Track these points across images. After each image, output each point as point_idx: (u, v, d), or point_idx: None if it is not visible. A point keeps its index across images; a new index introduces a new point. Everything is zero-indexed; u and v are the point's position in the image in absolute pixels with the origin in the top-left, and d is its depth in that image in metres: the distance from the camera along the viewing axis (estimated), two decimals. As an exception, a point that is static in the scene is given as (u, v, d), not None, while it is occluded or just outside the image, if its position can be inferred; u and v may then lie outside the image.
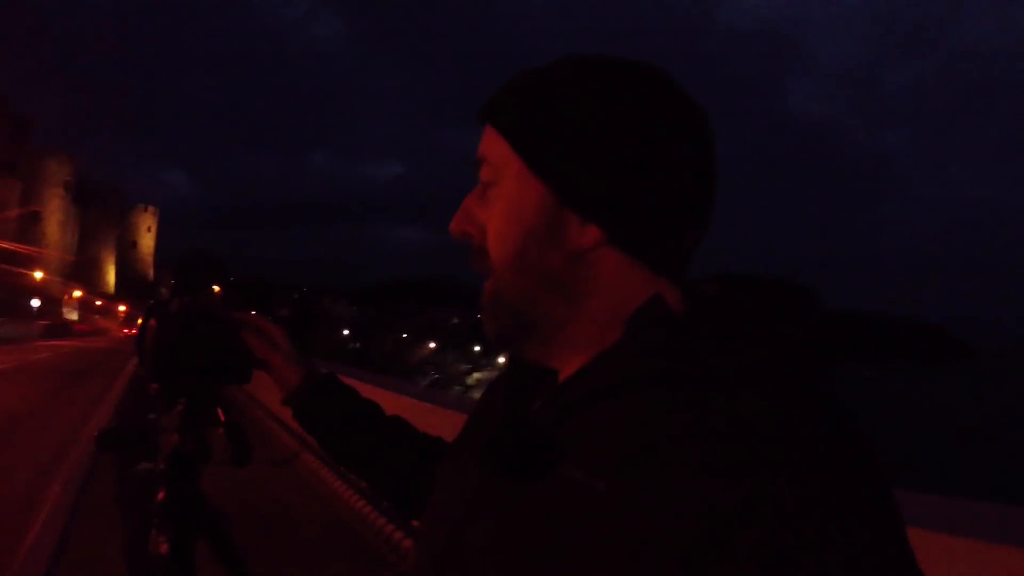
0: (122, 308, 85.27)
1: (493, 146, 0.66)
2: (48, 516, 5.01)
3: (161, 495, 1.29)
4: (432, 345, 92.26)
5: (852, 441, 0.51)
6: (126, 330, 72.97)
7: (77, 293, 75.38)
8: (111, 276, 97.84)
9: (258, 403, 10.96)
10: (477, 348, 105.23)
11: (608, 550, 0.51)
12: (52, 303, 69.78)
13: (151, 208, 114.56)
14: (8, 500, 5.68)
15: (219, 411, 1.29)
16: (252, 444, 1.28)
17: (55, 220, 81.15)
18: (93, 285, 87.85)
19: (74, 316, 71.68)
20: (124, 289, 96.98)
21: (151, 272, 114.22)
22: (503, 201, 0.65)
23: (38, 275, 67.03)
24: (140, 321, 1.28)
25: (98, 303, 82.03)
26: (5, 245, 58.39)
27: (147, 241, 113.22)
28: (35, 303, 66.01)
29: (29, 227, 75.44)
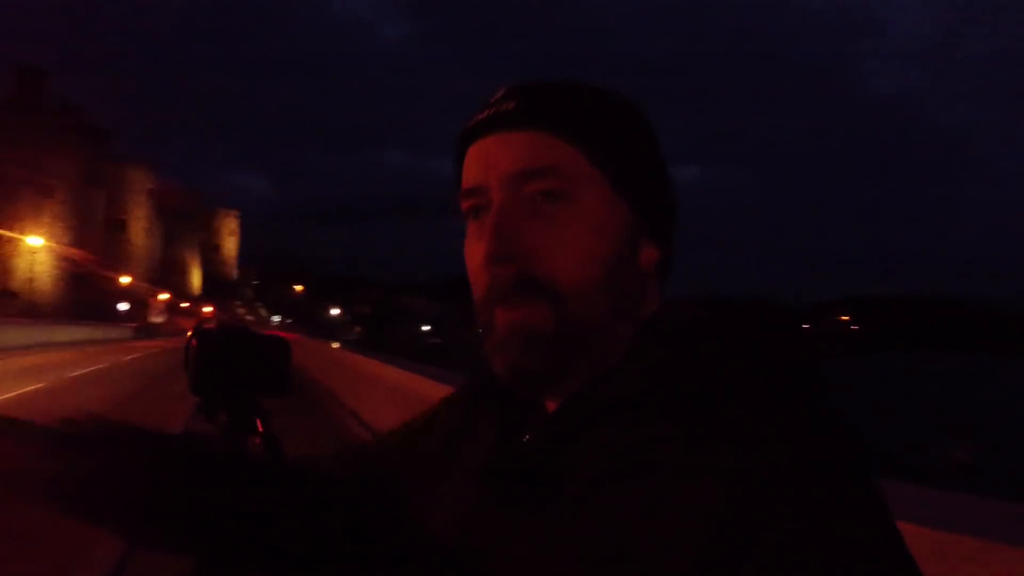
0: (207, 309, 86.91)
1: (559, 156, 0.62)
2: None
3: None
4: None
5: (844, 445, 0.52)
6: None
7: (163, 296, 76.91)
8: (196, 279, 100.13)
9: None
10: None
11: (619, 565, 0.51)
12: (139, 306, 71.31)
13: (233, 212, 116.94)
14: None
15: (258, 421, 1.44)
16: (285, 452, 1.38)
17: (140, 227, 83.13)
18: (179, 288, 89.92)
19: (160, 318, 73.02)
20: (209, 291, 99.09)
21: (235, 273, 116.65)
22: (586, 218, 0.62)
23: (125, 280, 68.49)
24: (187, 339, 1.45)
25: (183, 305, 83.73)
26: (89, 258, 59.64)
27: (230, 244, 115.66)
28: (123, 307, 67.62)
29: (115, 235, 77.41)
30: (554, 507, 0.56)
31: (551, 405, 0.65)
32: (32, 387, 14.29)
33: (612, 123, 0.64)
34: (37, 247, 48.12)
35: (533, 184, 0.61)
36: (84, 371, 19.26)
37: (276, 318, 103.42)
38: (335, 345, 25.18)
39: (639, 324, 0.63)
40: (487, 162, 0.63)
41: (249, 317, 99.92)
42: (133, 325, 60.32)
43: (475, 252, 0.64)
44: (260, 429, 1.37)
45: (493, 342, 0.64)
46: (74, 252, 57.57)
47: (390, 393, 8.82)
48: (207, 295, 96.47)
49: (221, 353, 1.32)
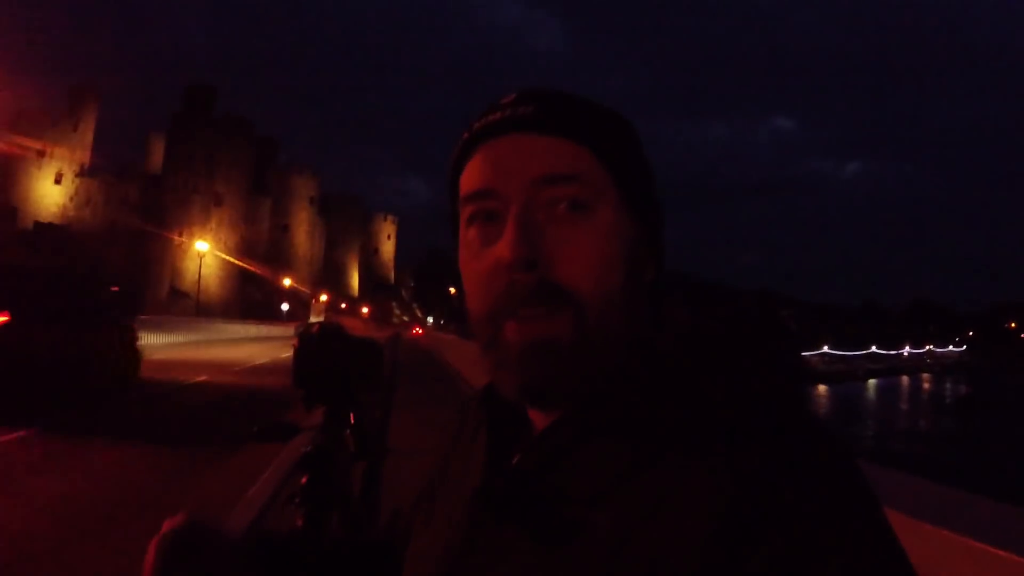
0: (365, 310, 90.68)
1: (583, 164, 0.61)
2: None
3: (304, 479, 1.62)
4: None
5: (835, 449, 0.53)
6: (370, 329, 77.07)
7: (323, 297, 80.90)
8: (355, 280, 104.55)
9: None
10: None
11: None
12: (300, 306, 75.29)
13: (390, 217, 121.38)
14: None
15: (351, 415, 1.64)
16: (373, 441, 1.62)
17: (303, 231, 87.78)
18: (338, 289, 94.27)
19: (320, 318, 76.76)
20: (367, 292, 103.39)
21: (392, 275, 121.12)
22: (605, 229, 0.60)
23: (287, 281, 72.54)
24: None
25: (342, 305, 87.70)
26: (252, 267, 63.42)
27: (388, 247, 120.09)
28: (284, 307, 71.53)
29: (279, 238, 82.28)
30: (551, 530, 0.56)
31: (539, 422, 0.64)
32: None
33: (624, 140, 0.64)
34: (204, 251, 51.64)
35: (555, 190, 0.60)
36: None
37: (430, 319, 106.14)
38: None
39: (636, 340, 0.62)
40: (503, 165, 0.61)
41: (405, 318, 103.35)
42: (295, 324, 63.61)
43: (483, 259, 0.61)
44: (352, 422, 1.56)
45: (502, 357, 0.61)
46: (240, 255, 61.38)
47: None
48: (365, 296, 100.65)
49: (316, 353, 1.49)
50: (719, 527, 0.49)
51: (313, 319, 74.38)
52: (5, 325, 9.12)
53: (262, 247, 72.59)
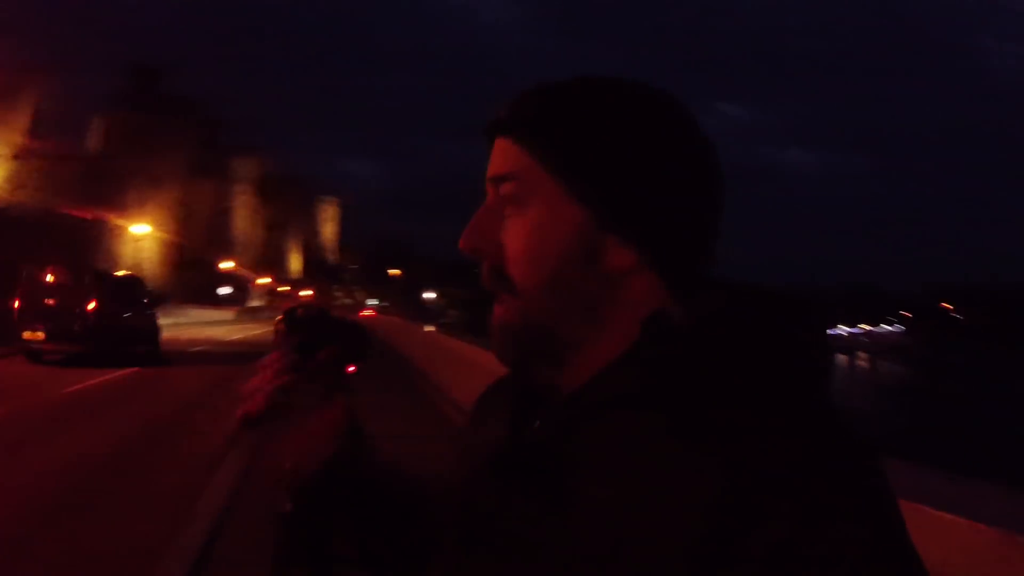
0: (305, 293, 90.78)
1: (519, 163, 0.64)
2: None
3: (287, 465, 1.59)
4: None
5: (847, 446, 0.53)
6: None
7: (264, 280, 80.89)
8: (296, 263, 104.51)
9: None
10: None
11: (616, 558, 0.52)
12: (242, 291, 75.26)
13: (333, 199, 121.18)
14: (178, 487, 6.31)
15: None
16: (363, 426, 1.50)
17: (244, 214, 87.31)
18: (280, 273, 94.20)
19: (261, 302, 76.75)
20: (310, 275, 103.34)
21: (334, 258, 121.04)
22: (535, 222, 0.63)
23: (228, 265, 72.41)
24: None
25: (283, 289, 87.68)
26: (193, 244, 63.31)
27: (329, 230, 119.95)
28: (224, 291, 71.49)
29: (220, 221, 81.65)
30: (555, 496, 0.58)
31: (566, 391, 0.66)
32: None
33: (576, 127, 0.63)
34: (142, 235, 51.56)
35: (501, 189, 0.65)
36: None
37: (373, 301, 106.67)
38: (429, 328, 25.47)
39: (631, 320, 0.62)
40: (488, 165, 0.68)
41: (347, 300, 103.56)
42: (236, 308, 63.83)
43: None
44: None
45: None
46: (180, 239, 61.22)
47: (467, 366, 10.59)
48: (306, 279, 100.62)
49: (311, 334, 1.43)
50: (712, 518, 0.49)
51: (256, 303, 74.42)
52: (96, 308, 15.69)
53: (203, 230, 72.16)
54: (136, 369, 15.01)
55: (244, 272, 79.46)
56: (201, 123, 71.02)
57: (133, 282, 19.44)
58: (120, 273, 22.63)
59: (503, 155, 0.65)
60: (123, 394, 12.30)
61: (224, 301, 67.72)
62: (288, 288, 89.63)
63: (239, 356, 18.13)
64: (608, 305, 0.63)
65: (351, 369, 1.40)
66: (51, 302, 15.58)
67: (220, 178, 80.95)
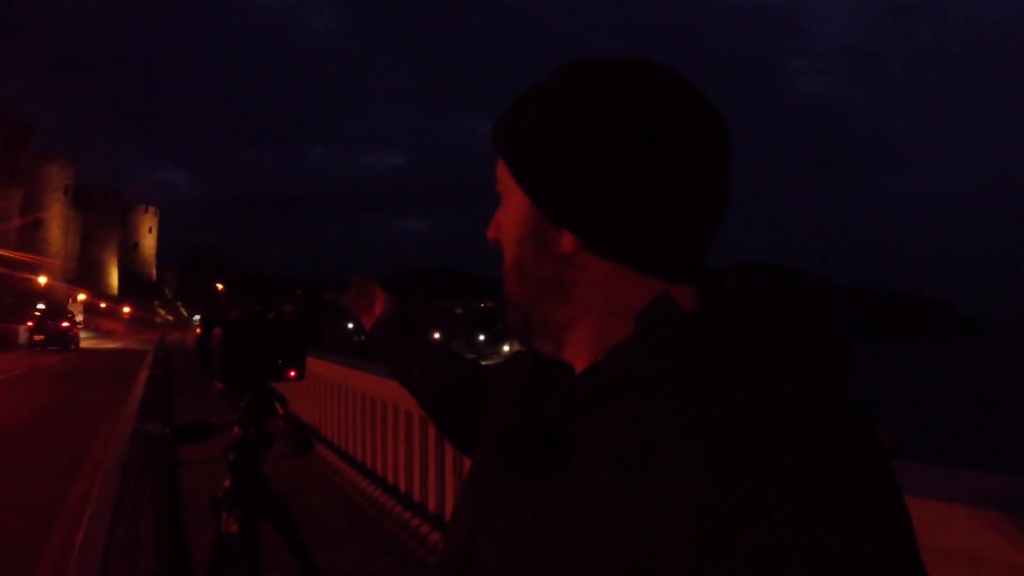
0: (126, 310, 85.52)
1: (500, 166, 0.71)
2: (91, 514, 5.00)
3: (227, 482, 1.48)
4: (437, 336, 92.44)
5: (855, 434, 0.52)
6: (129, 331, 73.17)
7: (81, 297, 75.53)
8: (114, 278, 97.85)
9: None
10: (481, 337, 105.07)
11: (615, 543, 0.52)
12: (57, 308, 69.89)
13: (152, 209, 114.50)
14: (29, 503, 6.02)
15: (277, 405, 1.47)
16: (310, 434, 1.49)
17: (56, 225, 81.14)
18: (97, 288, 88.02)
19: (79, 319, 71.73)
20: (128, 291, 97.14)
21: (154, 272, 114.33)
22: (507, 213, 0.71)
23: (42, 280, 67.15)
24: (199, 330, 1.52)
25: (102, 305, 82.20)
26: (7, 253, 58.48)
27: (149, 242, 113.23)
28: (40, 308, 66.12)
29: (31, 233, 75.56)
30: (560, 480, 0.59)
31: (578, 370, 0.68)
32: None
33: (520, 124, 0.67)
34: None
35: (497, 187, 0.72)
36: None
37: (196, 317, 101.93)
38: None
39: (606, 300, 0.65)
40: None
41: (169, 317, 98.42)
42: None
43: None
44: (281, 412, 1.45)
45: None
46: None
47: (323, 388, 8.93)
48: (126, 295, 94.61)
49: (247, 343, 1.38)
50: (717, 522, 0.48)
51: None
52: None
53: (12, 243, 66.51)
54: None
55: (59, 287, 73.80)
56: (8, 125, 65.55)
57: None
58: None
59: (499, 160, 0.71)
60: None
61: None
62: (105, 305, 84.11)
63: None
64: (573, 285, 0.66)
65: (292, 374, 1.44)
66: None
67: (31, 186, 74.87)
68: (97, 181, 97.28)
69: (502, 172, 0.70)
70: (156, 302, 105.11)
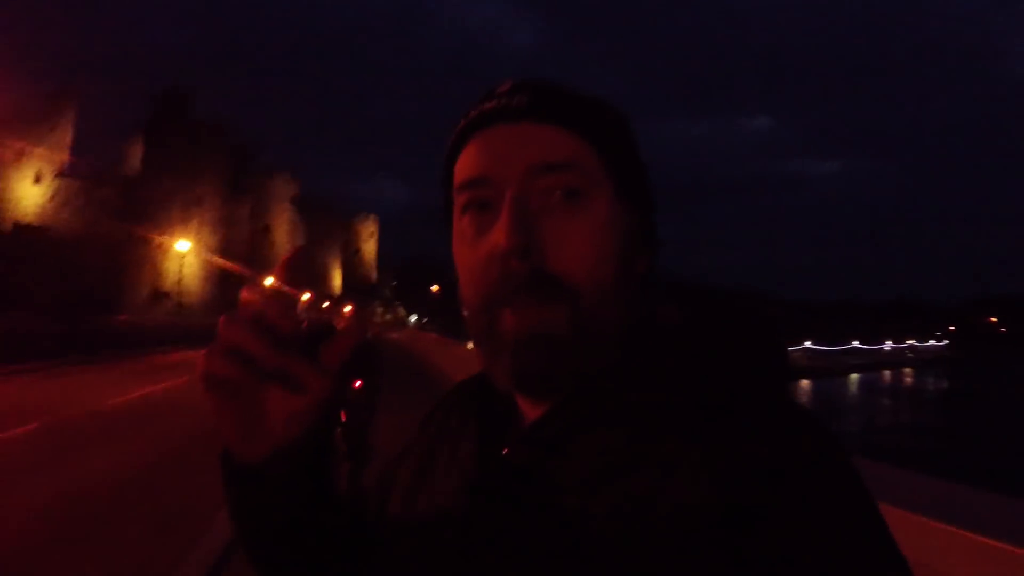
0: (347, 309, 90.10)
1: (582, 155, 0.60)
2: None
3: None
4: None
5: (829, 445, 0.52)
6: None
7: (305, 296, 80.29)
8: (337, 280, 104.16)
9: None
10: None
11: (617, 568, 0.50)
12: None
13: (371, 216, 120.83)
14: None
15: (342, 413, 1.98)
16: (373, 445, 1.53)
17: (283, 231, 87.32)
18: (320, 289, 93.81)
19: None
20: (349, 291, 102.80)
21: (374, 275, 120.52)
22: (601, 219, 0.59)
23: (268, 280, 71.87)
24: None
25: (324, 305, 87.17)
26: (233, 267, 63.14)
27: (370, 247, 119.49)
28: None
29: (260, 239, 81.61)
30: (548, 520, 0.55)
31: (530, 413, 0.63)
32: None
33: (618, 130, 0.63)
34: (185, 251, 51.11)
35: (551, 178, 0.58)
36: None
37: (413, 318, 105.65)
38: (470, 346, 23.76)
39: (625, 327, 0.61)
40: (498, 153, 0.60)
41: (388, 317, 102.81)
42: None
43: (478, 247, 0.60)
44: (344, 420, 1.44)
45: (497, 346, 0.60)
46: (220, 256, 60.94)
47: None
48: (347, 295, 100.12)
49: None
50: (714, 516, 0.48)
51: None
52: None
53: (243, 248, 71.89)
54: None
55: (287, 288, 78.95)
56: (234, 145, 70.96)
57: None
58: None
59: (552, 143, 0.59)
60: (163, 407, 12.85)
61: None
62: (328, 304, 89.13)
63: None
64: (637, 312, 0.62)
65: (357, 384, 1.52)
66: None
67: (258, 198, 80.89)
68: (321, 193, 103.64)
69: (591, 167, 0.60)
70: (375, 302, 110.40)
